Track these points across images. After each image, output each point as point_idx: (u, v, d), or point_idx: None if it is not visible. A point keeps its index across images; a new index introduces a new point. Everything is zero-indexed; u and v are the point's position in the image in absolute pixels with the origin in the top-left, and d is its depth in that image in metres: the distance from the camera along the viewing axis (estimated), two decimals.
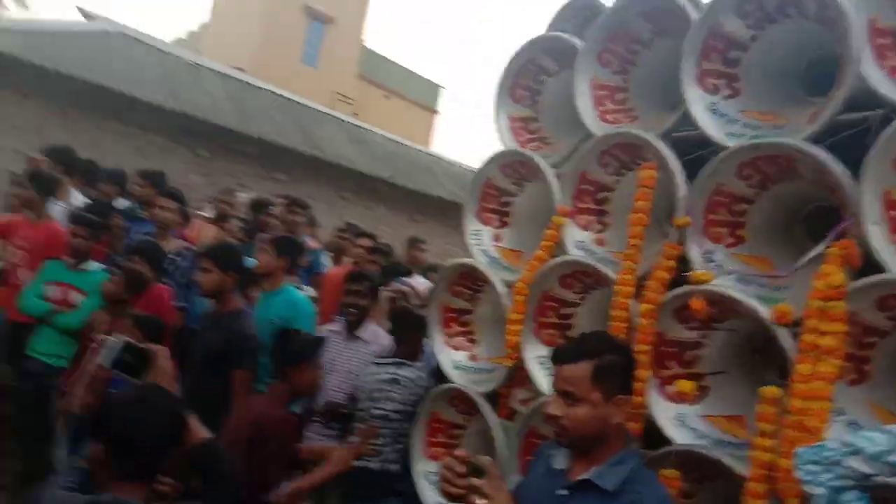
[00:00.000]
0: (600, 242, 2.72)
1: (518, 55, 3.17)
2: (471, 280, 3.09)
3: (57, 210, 4.68)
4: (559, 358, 1.77)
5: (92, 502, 1.69)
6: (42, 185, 4.59)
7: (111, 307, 3.84)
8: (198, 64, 13.11)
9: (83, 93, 9.79)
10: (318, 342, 3.06)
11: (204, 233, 5.27)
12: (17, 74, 9.40)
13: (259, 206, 5.71)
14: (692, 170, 2.29)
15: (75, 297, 4.12)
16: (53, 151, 5.13)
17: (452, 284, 3.14)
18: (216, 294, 3.53)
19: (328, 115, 15.11)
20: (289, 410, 3.05)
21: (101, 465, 1.78)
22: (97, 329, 3.72)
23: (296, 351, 2.91)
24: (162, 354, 2.21)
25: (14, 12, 15.77)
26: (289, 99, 14.20)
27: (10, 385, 4.26)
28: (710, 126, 2.26)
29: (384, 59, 25.89)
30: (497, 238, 3.16)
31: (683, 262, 2.24)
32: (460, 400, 2.96)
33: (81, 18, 12.15)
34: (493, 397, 2.86)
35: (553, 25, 3.36)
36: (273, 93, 13.94)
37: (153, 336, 3.25)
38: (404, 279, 4.83)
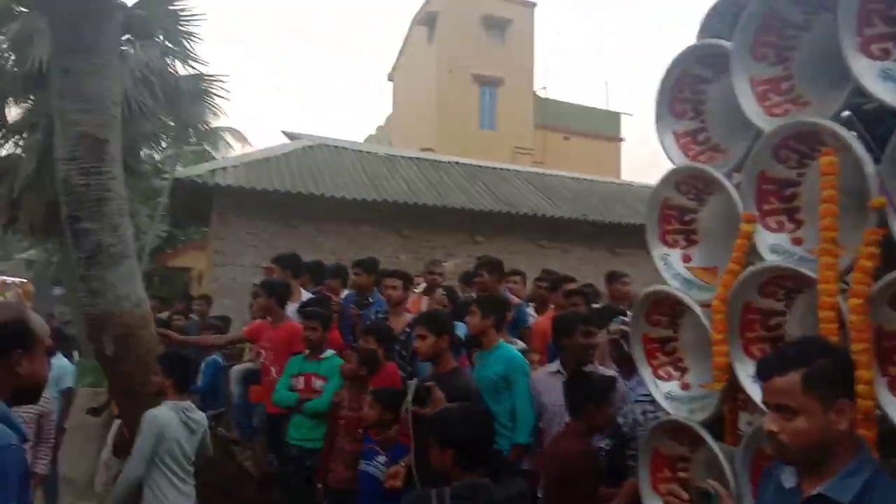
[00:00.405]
0: (797, 242, 2.53)
1: (670, 70, 3.11)
2: (668, 306, 3.01)
3: (290, 310, 5.35)
4: (765, 371, 1.70)
5: (463, 486, 2.44)
6: (275, 292, 5.30)
7: (351, 386, 4.29)
8: (391, 155, 14.28)
9: (300, 203, 11.12)
10: (613, 381, 3.42)
11: (420, 305, 5.68)
12: (246, 201, 10.96)
13: (466, 278, 6.15)
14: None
15: (318, 383, 4.66)
16: (281, 259, 5.91)
17: (649, 314, 3.07)
18: (433, 357, 3.78)
19: (512, 170, 15.55)
20: (591, 445, 3.35)
21: (449, 465, 2.51)
22: (342, 408, 4.18)
23: (597, 389, 3.27)
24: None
25: (237, 148, 18.45)
26: (473, 165, 14.85)
27: (275, 472, 4.87)
28: (885, 92, 2.07)
29: (556, 102, 26.13)
30: (686, 258, 3.05)
31: (890, 247, 2.02)
32: (680, 431, 2.85)
33: (287, 140, 13.91)
34: (719, 424, 2.73)
35: (703, 32, 3.27)
36: (459, 163, 14.68)
37: (392, 405, 3.61)
38: (623, 318, 4.80)
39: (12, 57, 10.44)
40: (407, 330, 4.88)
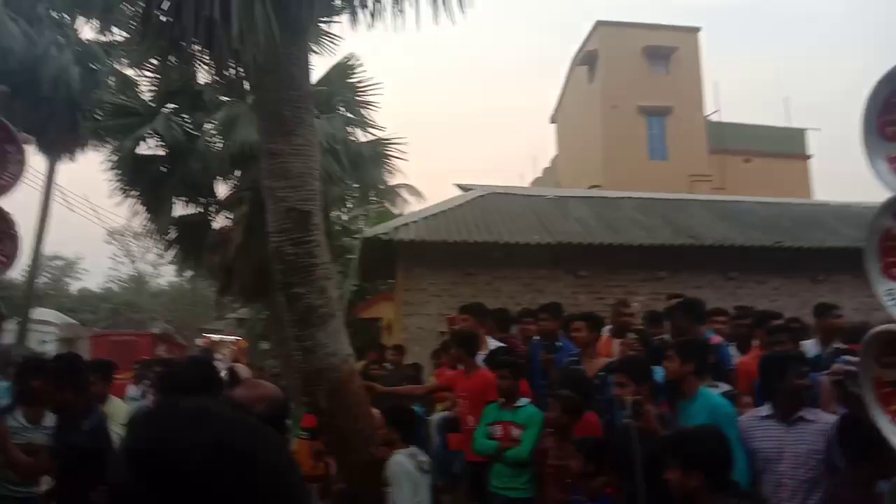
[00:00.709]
0: None
1: (875, 94, 2.89)
2: None
3: (480, 359, 5.48)
4: None
5: None
6: (464, 343, 5.47)
7: (555, 434, 4.30)
8: (561, 196, 14.30)
9: (476, 251, 11.43)
10: None
11: (609, 348, 5.58)
12: (427, 253, 11.46)
13: (654, 320, 5.92)
14: None
15: (515, 432, 4.70)
16: (467, 308, 6.10)
17: (880, 356, 2.80)
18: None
19: (690, 199, 14.89)
20: (875, 494, 3.17)
21: (695, 489, 2.48)
22: (550, 456, 4.20)
23: (876, 436, 3.04)
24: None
25: (413, 203, 19.43)
26: (647, 198, 14.43)
27: None
28: None
29: (733, 125, 24.79)
30: None
31: None
32: None
33: (460, 191, 14.42)
34: None
35: None
36: (631, 197, 14.34)
37: (595, 455, 3.59)
38: (847, 357, 4.40)
39: (220, 140, 11.88)
40: (601, 373, 4.84)
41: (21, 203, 3.84)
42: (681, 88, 23.23)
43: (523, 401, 4.83)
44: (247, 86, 10.85)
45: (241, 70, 4.78)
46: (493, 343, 5.67)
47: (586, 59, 24.54)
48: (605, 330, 6.00)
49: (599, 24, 24.01)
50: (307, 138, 5.12)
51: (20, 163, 3.82)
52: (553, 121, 28.89)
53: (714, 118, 24.77)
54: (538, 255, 11.56)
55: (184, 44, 4.78)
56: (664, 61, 23.76)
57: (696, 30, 24.59)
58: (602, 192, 15.67)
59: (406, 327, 11.75)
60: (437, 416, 6.21)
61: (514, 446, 4.63)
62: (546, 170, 30.58)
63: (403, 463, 4.02)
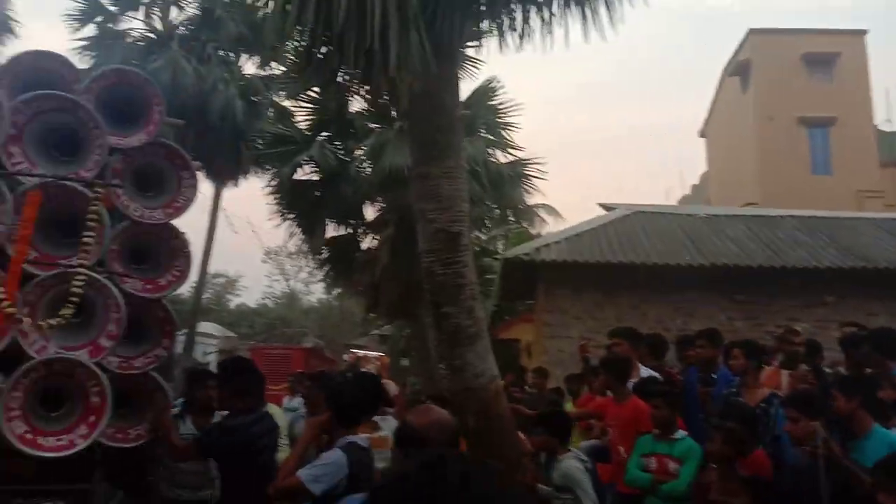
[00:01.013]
0: None
1: None
2: None
3: (630, 386, 5.25)
4: None
5: None
6: (615, 369, 5.26)
7: (719, 468, 4.03)
8: (713, 215, 13.59)
9: (621, 272, 11.08)
10: None
11: (777, 380, 5.16)
12: (569, 274, 11.27)
13: (814, 349, 5.45)
14: None
15: (672, 466, 4.45)
16: (619, 333, 5.87)
17: None
18: (806, 443, 3.49)
19: (859, 218, 13.61)
20: None
21: None
22: (712, 492, 3.95)
23: None
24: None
25: (552, 224, 19.23)
26: (811, 216, 13.36)
27: None
28: None
29: None
30: None
31: None
32: None
33: (603, 211, 14.08)
34: None
35: None
36: (793, 217, 13.34)
37: (761, 496, 3.33)
38: None
39: (369, 165, 12.40)
40: (762, 405, 4.54)
41: (191, 224, 4.16)
42: (846, 97, 21.41)
43: (681, 433, 4.57)
44: (394, 113, 11.38)
45: (394, 97, 4.94)
46: (644, 371, 5.42)
47: (738, 68, 23.28)
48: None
49: (752, 33, 22.72)
50: (456, 161, 5.20)
51: (193, 187, 4.16)
52: (702, 135, 27.60)
53: (885, 128, 22.58)
54: (689, 276, 11.01)
55: (342, 75, 5.04)
56: (826, 68, 22.03)
57: (861, 33, 22.63)
58: (760, 209, 14.68)
59: (546, 350, 11.59)
60: (584, 445, 6.02)
61: (669, 480, 4.40)
62: (694, 187, 29.22)
63: (578, 465, 4.05)
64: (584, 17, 4.68)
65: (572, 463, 4.03)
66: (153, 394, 3.95)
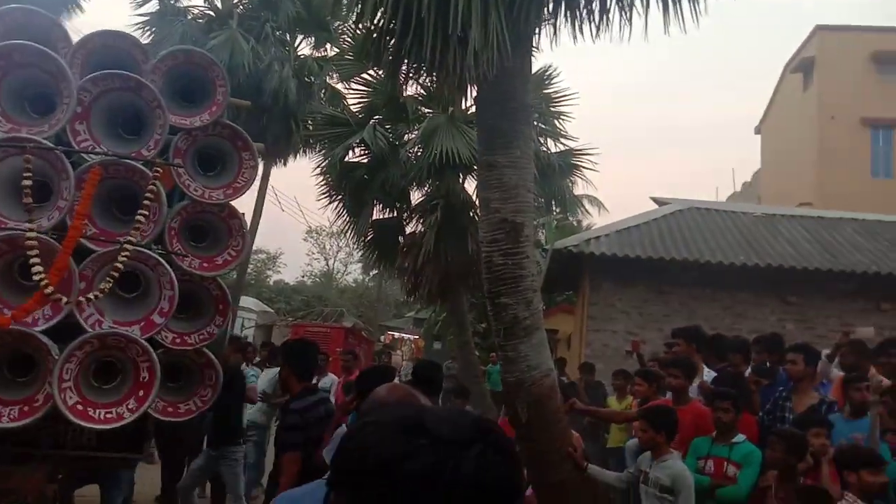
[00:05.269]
0: None
1: None
2: None
3: (693, 390, 5.14)
4: None
5: None
6: (684, 369, 5.14)
7: (779, 475, 3.93)
8: (769, 214, 13.26)
9: (671, 269, 10.87)
10: None
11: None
12: (617, 268, 11.11)
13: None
14: None
15: (731, 469, 4.34)
16: (681, 332, 5.72)
17: None
18: None
19: None
20: None
21: None
22: (770, 498, 3.86)
23: None
24: None
25: (597, 216, 18.97)
26: (873, 220, 12.92)
27: None
28: None
29: None
30: None
31: None
32: None
33: (655, 205, 13.82)
34: None
35: None
36: (853, 219, 12.93)
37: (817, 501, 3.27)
38: None
39: (419, 150, 12.36)
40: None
41: (238, 201, 4.16)
42: None
43: (740, 437, 4.46)
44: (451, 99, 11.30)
45: (462, 83, 4.86)
46: (707, 371, 5.29)
47: (802, 65, 22.50)
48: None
49: (819, 29, 21.91)
50: (524, 150, 5.11)
51: (253, 168, 4.17)
52: (758, 132, 26.84)
53: None
54: (741, 276, 10.76)
55: (409, 59, 4.98)
56: (895, 68, 21.14)
57: None
58: (818, 211, 14.24)
59: (590, 343, 11.46)
60: (633, 443, 5.93)
61: (727, 484, 4.30)
62: (745, 184, 28.50)
63: (688, 470, 4.01)
64: (665, 6, 4.53)
65: (683, 465, 3.94)
66: (204, 370, 4.00)
